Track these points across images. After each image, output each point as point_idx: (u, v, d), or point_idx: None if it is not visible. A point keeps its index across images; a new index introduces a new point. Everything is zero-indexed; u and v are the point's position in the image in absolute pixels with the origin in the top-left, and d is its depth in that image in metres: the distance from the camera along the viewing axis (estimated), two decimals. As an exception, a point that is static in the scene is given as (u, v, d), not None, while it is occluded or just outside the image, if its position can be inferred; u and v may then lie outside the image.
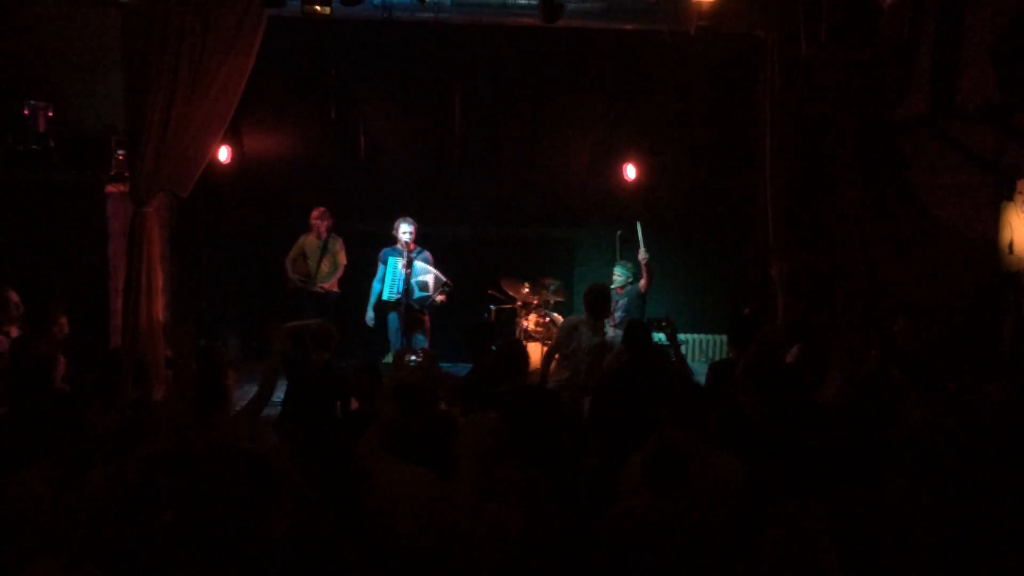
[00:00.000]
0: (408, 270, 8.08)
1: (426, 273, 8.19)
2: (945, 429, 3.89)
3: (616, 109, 9.36)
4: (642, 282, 8.04)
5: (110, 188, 7.39)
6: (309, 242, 8.58)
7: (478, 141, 9.48)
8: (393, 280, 8.19)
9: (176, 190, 7.42)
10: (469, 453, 3.38)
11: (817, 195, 7.55)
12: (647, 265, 8.03)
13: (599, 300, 6.35)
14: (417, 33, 8.30)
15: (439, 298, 8.26)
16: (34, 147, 7.17)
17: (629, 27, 7.95)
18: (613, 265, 8.25)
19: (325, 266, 8.54)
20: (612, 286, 8.19)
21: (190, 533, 2.66)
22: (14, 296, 5.95)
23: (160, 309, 7.45)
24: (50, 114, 7.30)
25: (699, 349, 9.66)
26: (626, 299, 8.03)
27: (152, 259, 7.28)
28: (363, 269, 8.55)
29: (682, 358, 5.62)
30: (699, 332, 9.62)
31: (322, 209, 8.51)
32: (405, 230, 8.13)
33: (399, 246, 8.16)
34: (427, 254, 8.32)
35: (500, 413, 3.61)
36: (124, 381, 4.76)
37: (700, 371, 6.78)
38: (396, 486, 3.40)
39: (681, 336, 8.86)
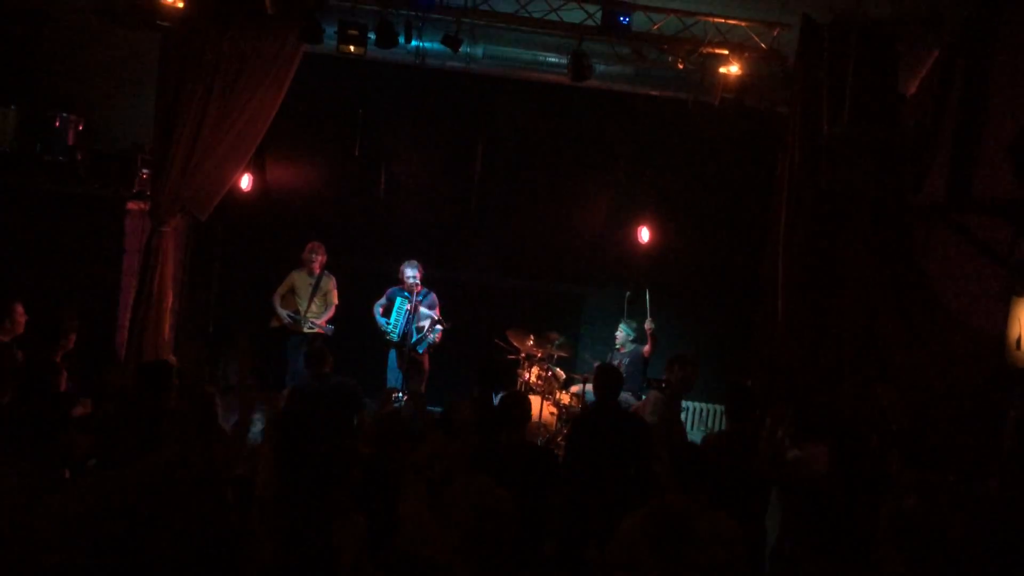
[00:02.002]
0: (414, 314, 8.11)
1: (425, 318, 8.21)
2: (940, 518, 3.84)
3: (635, 172, 9.45)
4: (646, 348, 8.03)
5: (131, 205, 7.49)
6: (300, 278, 8.28)
7: (496, 191, 9.57)
8: (397, 322, 8.21)
9: (195, 213, 7.51)
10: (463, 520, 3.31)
11: (829, 273, 7.55)
12: (652, 333, 8.03)
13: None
14: (447, 81, 8.45)
15: (432, 336, 8.22)
16: (61, 158, 7.29)
17: (655, 93, 8.08)
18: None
19: (316, 305, 8.25)
20: (615, 344, 8.21)
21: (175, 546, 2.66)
22: (19, 309, 5.95)
23: (167, 329, 7.50)
24: (80, 128, 7.44)
25: (698, 417, 9.59)
26: (628, 359, 8.02)
27: (164, 279, 7.35)
28: (369, 309, 8.47)
29: (679, 422, 5.61)
30: (700, 400, 9.57)
31: (316, 243, 8.25)
32: (410, 275, 8.14)
33: (405, 288, 8.19)
34: (433, 296, 8.35)
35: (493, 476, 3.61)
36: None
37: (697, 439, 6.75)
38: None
39: (681, 403, 8.82)
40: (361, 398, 5.95)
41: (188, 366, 7.76)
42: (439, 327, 8.19)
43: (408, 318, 8.12)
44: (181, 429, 3.93)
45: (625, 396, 7.00)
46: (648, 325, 8.05)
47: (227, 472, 3.82)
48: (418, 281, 8.15)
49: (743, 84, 7.43)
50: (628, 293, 8.51)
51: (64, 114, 7.38)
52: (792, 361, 7.50)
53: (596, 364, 7.47)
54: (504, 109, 9.23)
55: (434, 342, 8.28)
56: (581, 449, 5.18)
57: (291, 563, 3.06)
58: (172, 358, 7.43)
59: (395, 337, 8.20)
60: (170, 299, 7.51)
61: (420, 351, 8.27)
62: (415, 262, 8.20)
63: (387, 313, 8.30)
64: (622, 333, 8.15)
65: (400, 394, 7.30)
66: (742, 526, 3.78)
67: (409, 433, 4.58)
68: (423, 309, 8.19)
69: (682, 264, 9.38)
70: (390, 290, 8.34)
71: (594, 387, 5.49)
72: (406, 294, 8.17)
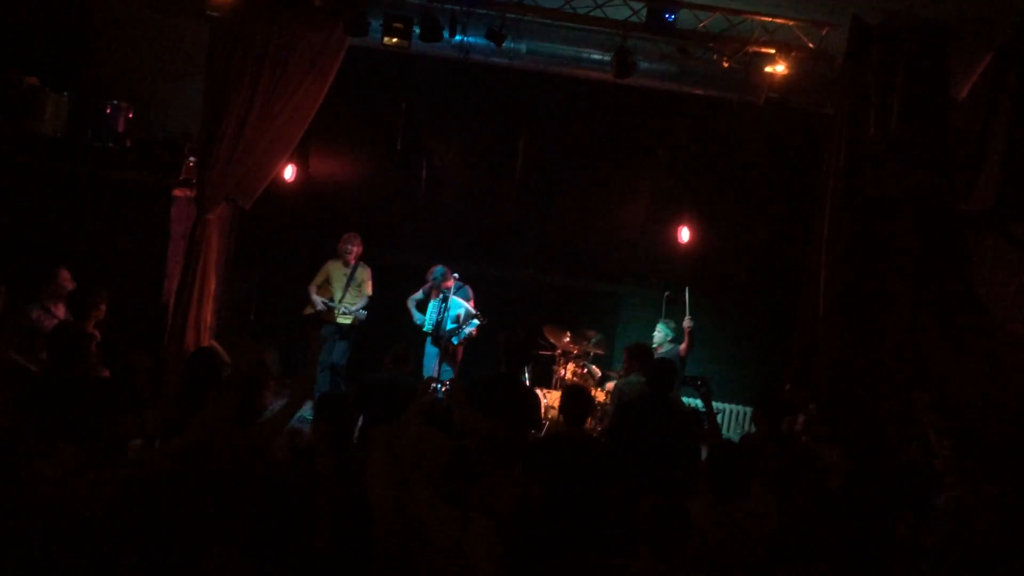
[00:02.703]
0: (445, 304, 8.15)
1: (460, 307, 8.25)
2: (984, 529, 3.79)
3: (677, 171, 9.40)
4: (683, 346, 7.98)
5: (177, 192, 7.61)
6: (335, 268, 8.27)
7: (537, 187, 9.58)
8: (431, 313, 8.27)
9: (240, 201, 7.62)
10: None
11: (871, 279, 7.43)
12: (690, 332, 7.98)
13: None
14: (490, 75, 8.46)
15: (468, 330, 8.24)
16: (111, 145, 7.44)
17: (699, 92, 8.01)
18: (656, 323, 8.23)
19: (350, 295, 8.23)
20: (652, 344, 8.16)
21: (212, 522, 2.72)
22: (65, 274, 6.12)
23: (209, 315, 7.61)
24: (130, 115, 7.59)
25: (735, 420, 9.52)
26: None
27: (208, 265, 7.46)
28: (405, 303, 8.51)
29: (715, 422, 5.56)
30: (736, 403, 9.49)
31: (351, 234, 8.22)
32: (439, 273, 8.14)
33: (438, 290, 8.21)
34: (468, 289, 8.38)
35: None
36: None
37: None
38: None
39: (716, 404, 8.78)
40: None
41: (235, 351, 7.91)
42: (475, 321, 8.22)
43: (440, 308, 8.16)
44: (216, 412, 3.97)
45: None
46: (687, 323, 8.00)
47: (263, 456, 3.86)
48: (453, 274, 8.18)
49: (789, 84, 7.33)
50: (667, 293, 8.45)
51: (115, 102, 7.53)
52: (832, 366, 7.41)
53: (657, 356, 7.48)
54: (547, 105, 9.23)
55: (470, 335, 8.31)
56: (630, 435, 5.18)
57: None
58: (214, 343, 7.55)
59: (428, 328, 8.25)
60: (213, 285, 7.63)
61: (455, 343, 8.30)
62: (443, 266, 8.19)
63: (421, 307, 8.36)
64: (660, 333, 8.09)
65: (438, 384, 7.33)
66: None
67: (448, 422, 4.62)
68: (457, 299, 8.22)
69: (722, 265, 9.32)
70: (426, 286, 8.38)
71: (651, 378, 5.48)
72: (440, 297, 8.22)
